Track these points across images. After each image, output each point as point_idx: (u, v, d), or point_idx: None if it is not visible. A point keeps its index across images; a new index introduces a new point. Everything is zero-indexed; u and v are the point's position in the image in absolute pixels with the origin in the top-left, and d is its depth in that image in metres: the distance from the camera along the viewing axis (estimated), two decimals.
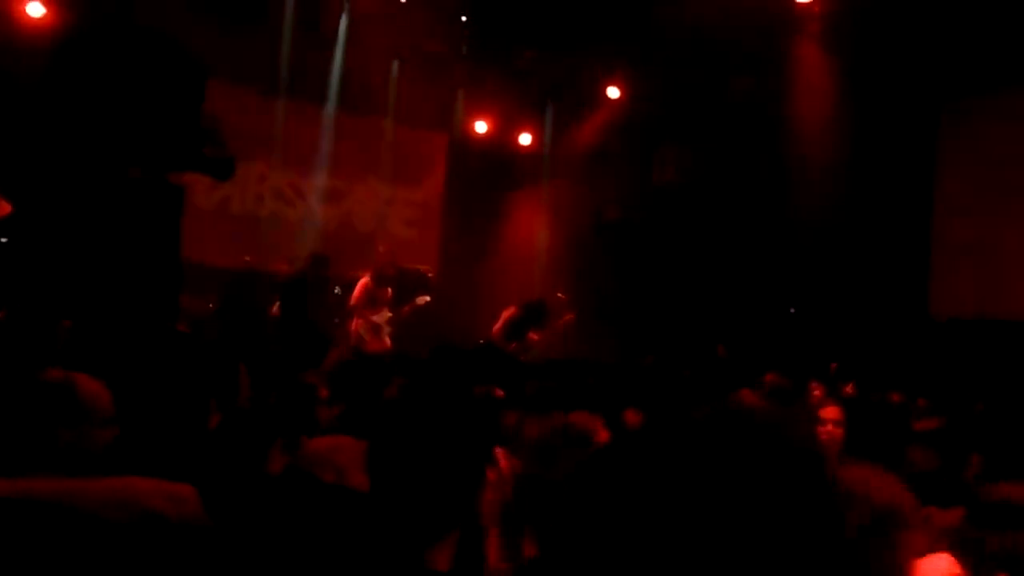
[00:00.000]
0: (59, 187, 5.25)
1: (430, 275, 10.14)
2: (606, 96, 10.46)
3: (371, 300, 8.42)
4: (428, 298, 8.91)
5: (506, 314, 8.29)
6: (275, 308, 8.28)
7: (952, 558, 1.96)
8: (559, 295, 9.15)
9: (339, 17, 9.40)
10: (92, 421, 2.02)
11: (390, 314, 8.48)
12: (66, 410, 1.98)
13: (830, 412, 3.95)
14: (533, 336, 8.28)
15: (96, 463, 1.95)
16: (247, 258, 9.10)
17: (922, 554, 1.85)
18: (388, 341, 8.36)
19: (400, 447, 1.50)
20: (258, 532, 1.76)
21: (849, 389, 6.40)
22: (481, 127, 11.22)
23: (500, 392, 3.79)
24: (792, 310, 9.59)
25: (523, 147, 11.61)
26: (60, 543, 1.62)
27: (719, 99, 9.59)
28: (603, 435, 2.61)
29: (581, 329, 9.11)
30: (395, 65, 10.22)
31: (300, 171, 10.51)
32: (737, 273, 9.69)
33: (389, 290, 8.55)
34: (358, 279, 8.52)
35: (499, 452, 1.93)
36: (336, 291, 8.68)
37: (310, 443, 2.70)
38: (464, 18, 9.70)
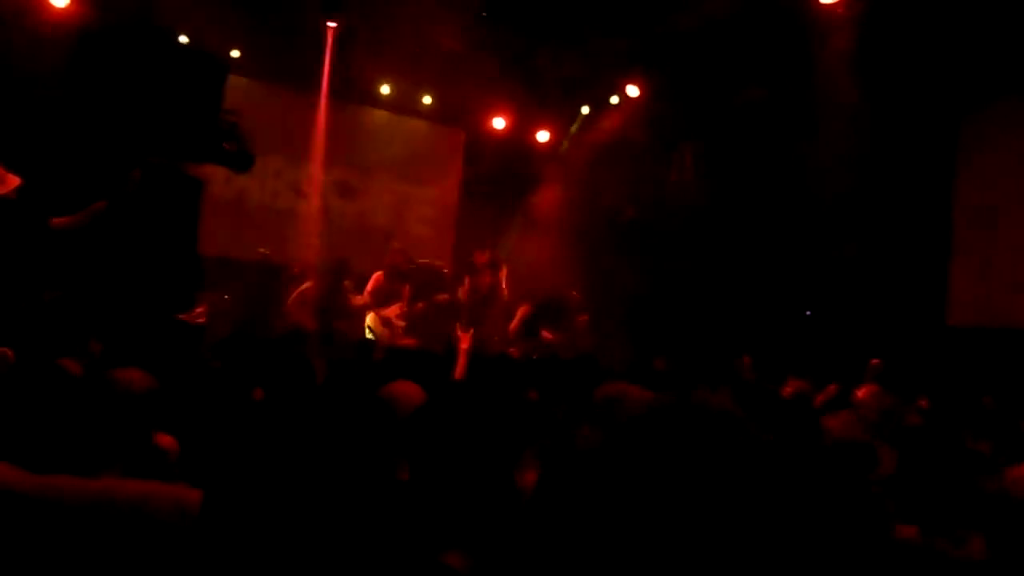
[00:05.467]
0: (79, 178, 5.30)
1: (446, 271, 10.16)
2: (625, 94, 10.43)
3: (384, 295, 8.47)
4: (448, 296, 8.94)
5: (521, 312, 8.31)
6: (289, 300, 8.34)
7: None
8: (574, 294, 9.14)
9: (362, 12, 9.43)
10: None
11: (404, 309, 8.52)
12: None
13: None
14: (546, 335, 8.30)
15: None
16: (262, 250, 9.14)
17: None
18: (401, 335, 8.40)
19: (425, 447, 1.51)
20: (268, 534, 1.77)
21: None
22: (499, 124, 11.21)
23: (534, 395, 3.81)
24: (808, 313, 9.55)
25: (541, 144, 11.59)
26: (45, 538, 1.63)
27: (738, 100, 9.54)
28: None
29: (595, 329, 9.11)
30: (412, 62, 10.21)
31: (317, 166, 10.54)
32: (753, 274, 9.64)
33: (407, 286, 8.58)
34: (372, 275, 8.58)
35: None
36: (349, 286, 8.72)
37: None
38: (484, 14, 9.69)
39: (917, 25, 7.88)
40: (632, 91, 10.31)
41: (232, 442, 2.39)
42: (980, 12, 7.57)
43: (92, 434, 1.96)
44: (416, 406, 2.29)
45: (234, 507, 1.79)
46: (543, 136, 11.53)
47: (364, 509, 1.52)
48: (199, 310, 6.25)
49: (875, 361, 6.41)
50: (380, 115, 10.81)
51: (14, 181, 4.69)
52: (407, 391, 2.39)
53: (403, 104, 10.80)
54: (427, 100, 10.87)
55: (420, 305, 8.71)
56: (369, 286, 8.48)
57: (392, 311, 8.46)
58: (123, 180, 4.87)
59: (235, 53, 9.09)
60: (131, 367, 2.14)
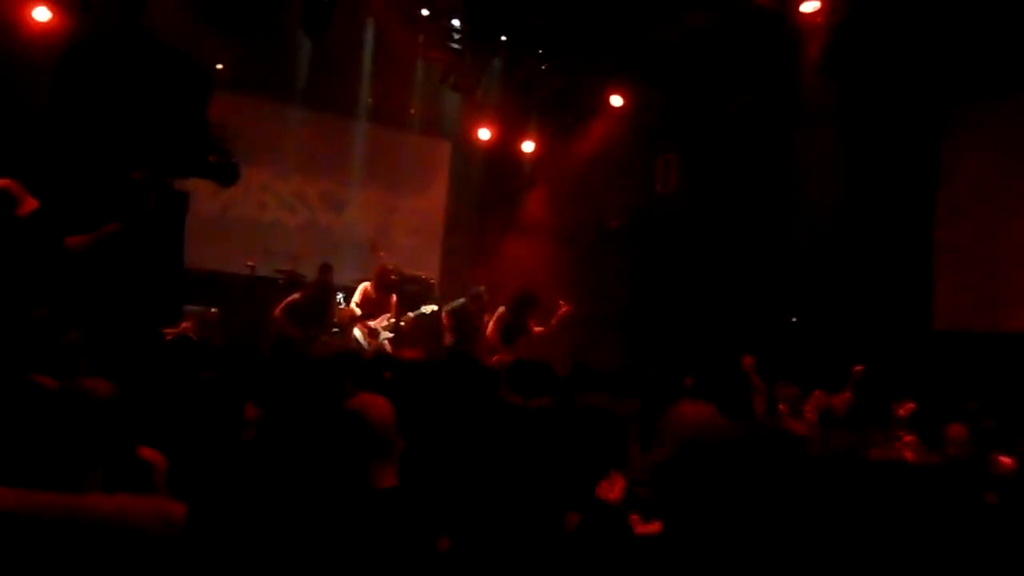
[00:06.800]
0: (64, 191, 5.27)
1: (433, 282, 10.15)
2: (609, 104, 10.48)
3: (372, 306, 8.46)
4: (435, 307, 8.90)
5: (497, 315, 8.13)
6: (277, 310, 8.31)
7: None
8: (560, 303, 9.11)
9: (347, 26, 9.43)
10: None
11: (392, 320, 8.50)
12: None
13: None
14: (536, 329, 8.13)
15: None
16: (250, 263, 9.11)
17: None
18: (388, 346, 8.38)
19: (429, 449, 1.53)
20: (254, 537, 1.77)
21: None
22: (484, 134, 11.23)
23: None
24: (794, 319, 9.59)
25: (526, 154, 11.62)
26: (39, 556, 1.62)
27: (721, 109, 9.60)
28: None
29: (584, 338, 9.10)
30: (396, 73, 10.24)
31: (303, 178, 10.53)
32: (739, 282, 9.68)
33: (393, 297, 8.57)
34: (359, 286, 8.58)
35: None
36: (339, 297, 8.73)
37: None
38: (469, 26, 9.72)
39: (898, 30, 7.97)
40: (616, 101, 10.36)
41: (220, 456, 2.39)
42: (961, 16, 7.67)
43: (60, 442, 1.96)
44: (384, 418, 2.30)
45: (219, 520, 1.79)
46: (528, 146, 11.56)
47: (343, 518, 1.52)
48: (186, 324, 6.23)
49: (858, 368, 6.46)
50: (366, 127, 10.82)
51: (32, 204, 4.67)
52: (375, 403, 2.40)
53: (389, 116, 10.81)
54: (412, 112, 10.89)
55: (408, 316, 8.69)
56: (357, 298, 8.48)
57: (380, 322, 8.46)
58: (139, 203, 4.85)
59: (220, 67, 9.07)
60: (101, 378, 2.14)
